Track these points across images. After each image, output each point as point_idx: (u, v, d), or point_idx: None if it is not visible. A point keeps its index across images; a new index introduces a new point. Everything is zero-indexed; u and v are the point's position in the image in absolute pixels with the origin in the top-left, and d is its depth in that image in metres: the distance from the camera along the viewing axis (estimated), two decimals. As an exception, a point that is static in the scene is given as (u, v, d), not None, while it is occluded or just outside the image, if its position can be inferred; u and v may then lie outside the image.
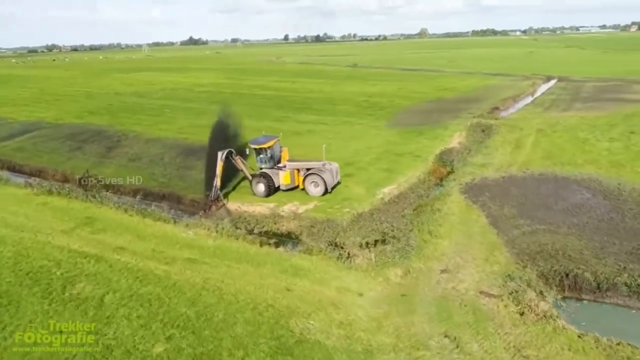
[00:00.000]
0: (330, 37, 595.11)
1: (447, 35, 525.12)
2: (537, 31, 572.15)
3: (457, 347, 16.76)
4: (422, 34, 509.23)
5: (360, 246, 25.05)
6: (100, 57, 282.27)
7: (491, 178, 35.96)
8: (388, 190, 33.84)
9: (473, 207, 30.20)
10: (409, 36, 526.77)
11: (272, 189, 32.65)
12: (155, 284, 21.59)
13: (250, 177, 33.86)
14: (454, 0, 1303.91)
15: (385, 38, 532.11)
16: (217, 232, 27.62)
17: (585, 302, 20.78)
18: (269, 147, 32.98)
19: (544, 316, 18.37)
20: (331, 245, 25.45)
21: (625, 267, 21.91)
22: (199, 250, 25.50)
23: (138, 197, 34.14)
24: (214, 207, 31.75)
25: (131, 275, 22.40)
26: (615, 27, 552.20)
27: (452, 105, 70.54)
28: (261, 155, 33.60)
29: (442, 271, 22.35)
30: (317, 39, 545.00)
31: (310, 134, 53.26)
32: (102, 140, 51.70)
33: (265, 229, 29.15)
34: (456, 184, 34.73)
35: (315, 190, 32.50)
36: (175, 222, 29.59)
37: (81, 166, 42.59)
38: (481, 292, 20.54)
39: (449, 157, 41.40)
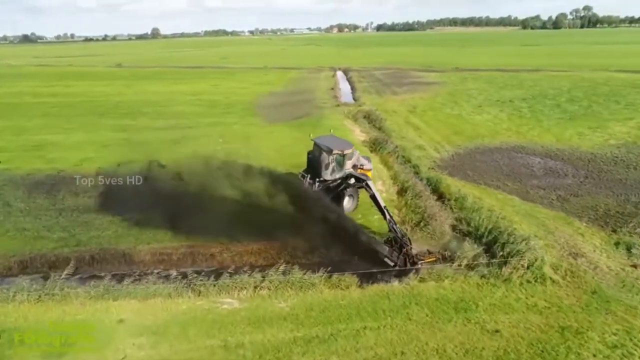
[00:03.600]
0: (41, 38, 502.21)
1: (183, 35, 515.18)
2: (261, 32, 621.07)
3: None
4: (156, 34, 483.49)
5: (476, 254, 20.69)
6: None
7: (445, 158, 35.95)
8: (381, 187, 29.62)
9: (482, 187, 29.33)
10: (141, 36, 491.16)
11: None
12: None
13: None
14: (178, 1, 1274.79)
15: (114, 38, 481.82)
16: (267, 288, 18.41)
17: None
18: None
19: None
20: (441, 258, 20.55)
21: (668, 211, 24.63)
22: (288, 320, 16.56)
23: (64, 273, 19.66)
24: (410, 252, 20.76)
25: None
26: (319, 29, 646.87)
27: (293, 97, 68.45)
28: (337, 163, 25.51)
29: (573, 256, 20.43)
30: (26, 39, 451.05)
31: (190, 140, 42.60)
32: None
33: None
34: (426, 168, 33.05)
35: None
36: (182, 291, 18.37)
37: None
38: (634, 266, 19.63)
39: (384, 145, 39.22)
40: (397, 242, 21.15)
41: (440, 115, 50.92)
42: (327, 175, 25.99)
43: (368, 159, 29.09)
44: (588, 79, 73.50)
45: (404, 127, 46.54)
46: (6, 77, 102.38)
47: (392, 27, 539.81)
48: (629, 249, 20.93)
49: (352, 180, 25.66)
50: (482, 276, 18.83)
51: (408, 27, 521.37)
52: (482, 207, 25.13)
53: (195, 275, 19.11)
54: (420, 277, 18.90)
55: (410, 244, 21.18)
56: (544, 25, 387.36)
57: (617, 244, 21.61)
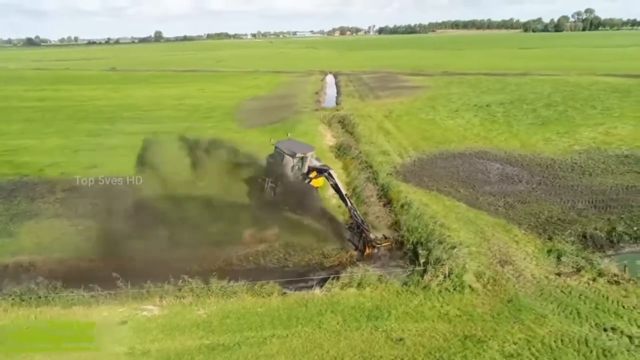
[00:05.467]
0: (45, 41, 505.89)
1: (186, 38, 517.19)
2: (264, 35, 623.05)
3: (631, 337, 15.33)
4: (159, 37, 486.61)
5: (404, 260, 21.06)
6: None
7: (406, 164, 36.01)
8: (332, 192, 29.79)
9: (434, 193, 29.40)
10: (144, 39, 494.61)
11: None
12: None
13: None
14: (182, 3, 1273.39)
15: (117, 41, 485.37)
16: (190, 296, 18.66)
17: (612, 256, 22.13)
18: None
19: (634, 280, 18.76)
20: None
21: (609, 219, 24.68)
22: (201, 327, 16.86)
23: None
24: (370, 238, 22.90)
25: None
26: (322, 32, 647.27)
27: (276, 101, 68.82)
28: (298, 165, 26.94)
29: (501, 264, 20.56)
30: (30, 42, 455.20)
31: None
32: None
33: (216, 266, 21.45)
34: (385, 174, 33.13)
35: None
36: (105, 298, 18.67)
37: None
38: (559, 274, 19.71)
39: (348, 150, 39.56)
40: (358, 228, 23.09)
41: (414, 120, 51.04)
42: (290, 178, 26.90)
43: (319, 159, 29.71)
44: (572, 83, 73.26)
45: (375, 132, 46.66)
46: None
47: (394, 30, 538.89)
48: (559, 257, 20.99)
49: (314, 174, 26.68)
50: (404, 284, 19.02)
51: (410, 30, 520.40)
52: (425, 213, 25.27)
53: (121, 282, 19.34)
54: (342, 284, 19.09)
55: (369, 229, 23.20)
56: (545, 28, 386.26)
57: (549, 251, 21.68)
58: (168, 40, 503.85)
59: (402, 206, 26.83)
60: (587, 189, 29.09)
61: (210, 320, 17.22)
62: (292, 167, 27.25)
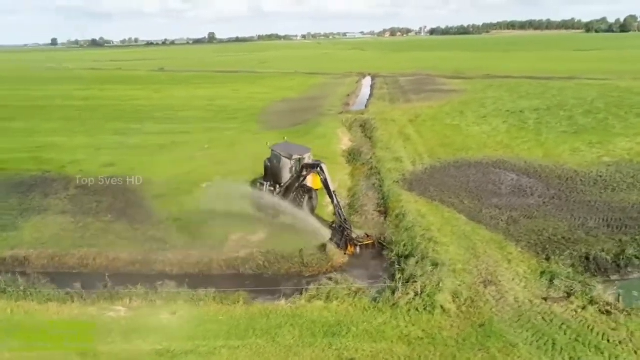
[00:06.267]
0: (108, 42, 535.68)
1: (238, 39, 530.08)
2: (314, 36, 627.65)
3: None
4: (212, 38, 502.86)
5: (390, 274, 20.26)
6: None
7: (417, 171, 34.67)
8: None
9: (435, 204, 28.06)
10: (198, 40, 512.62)
11: None
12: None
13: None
14: (238, 5, 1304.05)
15: (173, 43, 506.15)
16: (160, 299, 18.75)
17: (616, 282, 20.17)
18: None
19: (627, 312, 16.92)
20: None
21: (620, 240, 22.54)
22: (159, 332, 16.80)
23: None
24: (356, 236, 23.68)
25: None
26: (372, 33, 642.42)
27: (304, 103, 68.93)
28: (295, 167, 27.38)
29: (485, 284, 19.22)
30: (94, 43, 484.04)
31: (178, 144, 44.16)
32: None
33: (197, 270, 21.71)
34: (391, 182, 32.11)
35: None
36: (79, 296, 19.17)
37: None
38: (545, 299, 18.13)
39: (359, 156, 38.78)
40: (340, 226, 23.68)
41: (437, 126, 49.30)
42: (286, 179, 27.58)
43: (321, 162, 29.26)
44: (623, 88, 68.17)
45: (395, 137, 45.43)
46: (52, 80, 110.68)
47: (446, 31, 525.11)
48: (552, 280, 19.33)
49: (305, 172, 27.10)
50: (374, 299, 18.19)
51: (463, 30, 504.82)
52: (418, 225, 24.21)
53: (100, 281, 19.79)
54: (310, 296, 18.55)
55: (351, 228, 23.70)
56: (610, 29, 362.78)
57: (543, 273, 20.05)
58: (221, 41, 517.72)
59: (396, 216, 25.83)
60: (605, 205, 26.74)
61: (170, 326, 17.21)
62: (290, 168, 27.58)
